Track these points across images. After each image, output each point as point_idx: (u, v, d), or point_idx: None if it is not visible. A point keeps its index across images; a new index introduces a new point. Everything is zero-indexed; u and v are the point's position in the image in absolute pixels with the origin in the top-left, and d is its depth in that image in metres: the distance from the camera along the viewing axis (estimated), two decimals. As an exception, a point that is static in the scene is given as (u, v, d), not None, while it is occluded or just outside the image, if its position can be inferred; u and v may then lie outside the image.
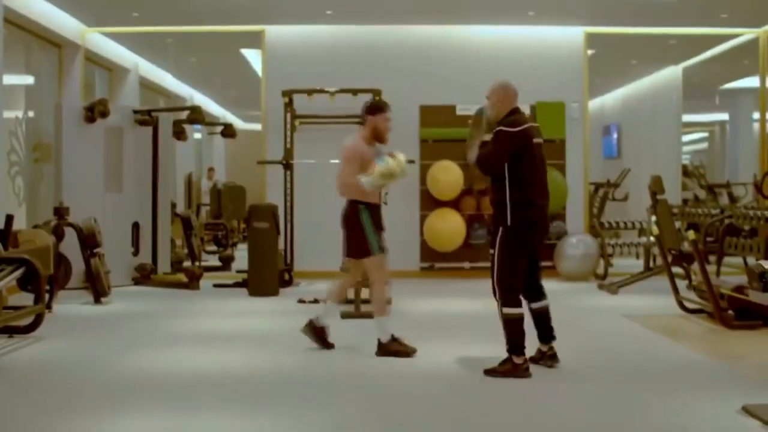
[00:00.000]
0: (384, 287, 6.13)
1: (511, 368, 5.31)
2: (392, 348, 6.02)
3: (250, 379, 5.46)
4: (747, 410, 4.28)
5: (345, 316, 7.73)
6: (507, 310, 5.33)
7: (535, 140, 5.45)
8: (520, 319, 5.34)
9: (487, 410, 4.72)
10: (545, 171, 5.59)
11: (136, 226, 10.65)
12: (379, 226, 6.13)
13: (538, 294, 5.59)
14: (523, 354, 5.33)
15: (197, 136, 16.64)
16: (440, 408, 4.75)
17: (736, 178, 15.08)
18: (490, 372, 5.35)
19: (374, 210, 6.11)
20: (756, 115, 14.77)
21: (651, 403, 4.73)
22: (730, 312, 7.04)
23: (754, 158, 15.61)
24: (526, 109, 10.87)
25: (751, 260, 11.28)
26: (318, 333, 6.29)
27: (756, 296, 3.99)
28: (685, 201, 13.41)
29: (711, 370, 5.67)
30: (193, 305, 8.85)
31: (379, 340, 6.08)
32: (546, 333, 5.58)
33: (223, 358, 6.13)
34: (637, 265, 11.27)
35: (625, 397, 4.89)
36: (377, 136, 6.10)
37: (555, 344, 5.59)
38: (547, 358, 5.55)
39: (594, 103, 15.46)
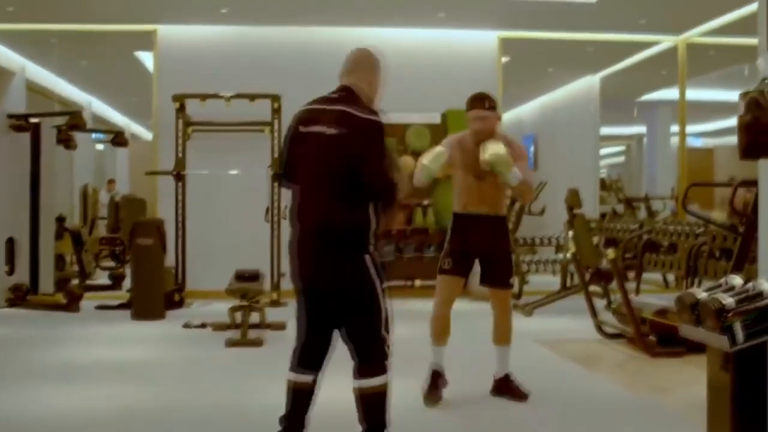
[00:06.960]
0: (435, 309, 5.07)
1: None
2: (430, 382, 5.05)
3: (117, 420, 4.71)
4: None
5: (229, 344, 6.96)
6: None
7: (323, 130, 3.82)
8: (289, 387, 3.89)
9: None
10: (324, 179, 3.79)
11: (11, 242, 9.68)
12: (462, 238, 5.07)
13: (356, 369, 3.82)
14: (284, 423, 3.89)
15: (100, 147, 15.69)
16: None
17: (654, 192, 14.77)
18: None
19: (461, 220, 5.11)
20: (673, 128, 14.52)
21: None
22: (652, 337, 6.47)
23: (672, 172, 15.37)
24: (435, 118, 10.49)
25: (671, 277, 10.93)
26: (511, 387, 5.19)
27: (688, 331, 3.33)
28: (603, 215, 13.01)
29: (636, 407, 5.06)
30: (68, 330, 7.95)
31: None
32: (360, 417, 3.83)
33: (91, 395, 5.33)
34: (554, 282, 10.75)
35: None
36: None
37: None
38: None
39: (512, 114, 14.98)
